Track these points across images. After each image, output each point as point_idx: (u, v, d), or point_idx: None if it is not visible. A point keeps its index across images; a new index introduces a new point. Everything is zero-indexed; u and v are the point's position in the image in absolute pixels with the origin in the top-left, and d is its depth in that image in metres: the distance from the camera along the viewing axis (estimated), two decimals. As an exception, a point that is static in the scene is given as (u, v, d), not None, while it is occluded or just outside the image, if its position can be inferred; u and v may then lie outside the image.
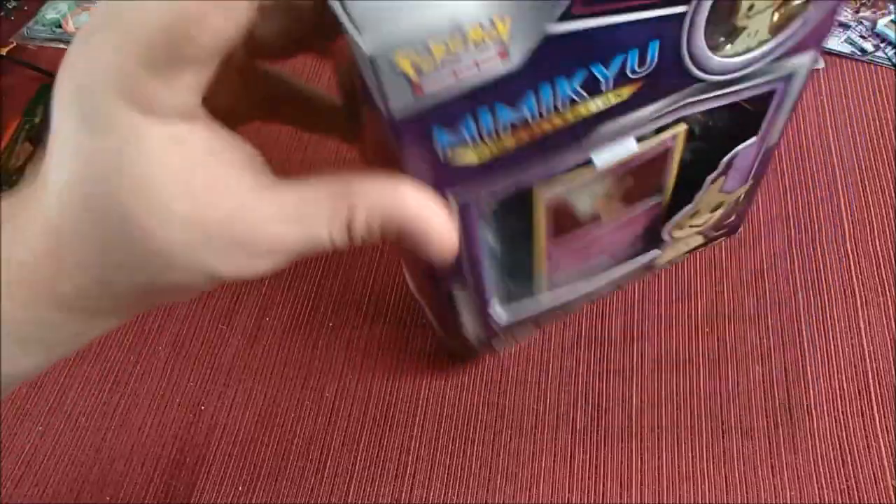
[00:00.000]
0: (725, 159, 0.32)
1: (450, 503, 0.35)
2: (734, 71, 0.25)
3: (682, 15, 0.22)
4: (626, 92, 0.23)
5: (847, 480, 0.34)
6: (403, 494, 0.36)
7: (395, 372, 0.40)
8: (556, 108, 0.23)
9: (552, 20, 0.20)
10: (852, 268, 0.41)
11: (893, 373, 0.37)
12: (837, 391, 0.37)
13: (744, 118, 0.30)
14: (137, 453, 0.39)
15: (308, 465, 0.37)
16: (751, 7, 0.24)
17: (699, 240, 0.38)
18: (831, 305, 0.39)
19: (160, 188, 0.20)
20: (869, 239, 0.42)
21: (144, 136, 0.20)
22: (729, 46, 0.25)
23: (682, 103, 0.26)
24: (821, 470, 0.34)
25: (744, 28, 0.25)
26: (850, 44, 0.50)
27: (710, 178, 0.32)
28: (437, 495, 0.35)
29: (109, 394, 0.42)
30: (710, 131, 0.32)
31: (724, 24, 0.24)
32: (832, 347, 0.38)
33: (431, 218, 0.23)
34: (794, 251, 0.41)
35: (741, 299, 0.40)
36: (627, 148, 0.27)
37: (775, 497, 0.33)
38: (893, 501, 0.33)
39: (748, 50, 0.25)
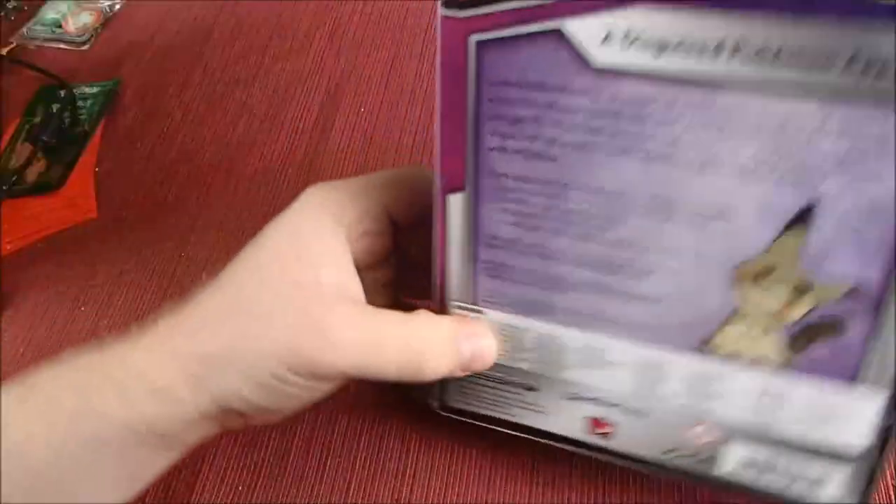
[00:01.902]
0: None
1: (450, 503, 0.35)
2: None
3: None
4: None
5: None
6: (403, 495, 0.36)
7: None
8: None
9: None
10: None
11: (893, 372, 0.37)
12: (837, 391, 0.36)
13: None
14: (137, 453, 0.39)
15: (308, 465, 0.37)
16: None
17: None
18: (831, 305, 0.39)
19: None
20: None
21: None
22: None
23: None
24: (821, 470, 0.34)
25: None
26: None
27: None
28: (437, 495, 0.35)
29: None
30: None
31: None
32: (832, 347, 0.38)
33: (487, 359, 0.31)
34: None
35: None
36: None
37: (775, 497, 0.33)
38: (893, 501, 0.33)
39: None
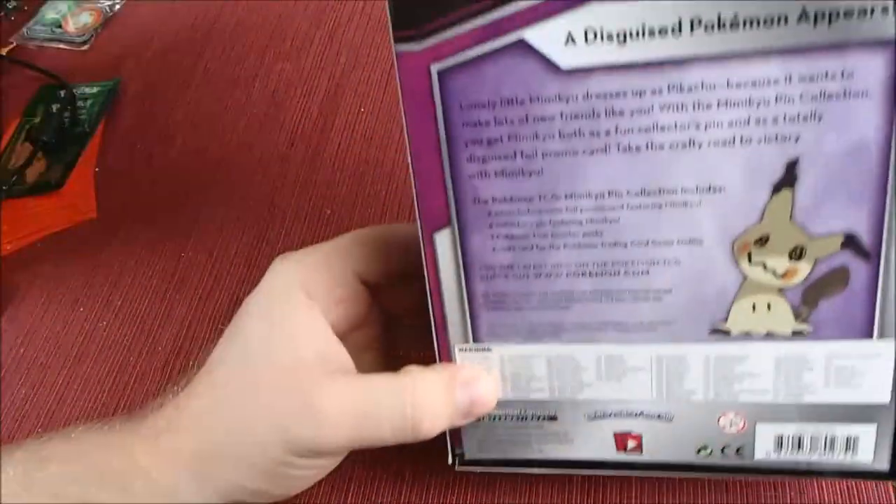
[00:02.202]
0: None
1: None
2: None
3: None
4: None
5: (847, 480, 0.34)
6: (402, 496, 0.35)
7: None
8: None
9: None
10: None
11: (894, 373, 0.37)
12: (837, 391, 0.36)
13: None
14: (137, 453, 0.39)
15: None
16: None
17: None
18: (831, 305, 0.39)
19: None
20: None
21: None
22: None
23: None
24: (821, 470, 0.34)
25: None
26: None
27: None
28: (435, 496, 0.35)
29: (109, 394, 0.42)
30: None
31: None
32: (832, 347, 0.38)
33: (489, 402, 0.30)
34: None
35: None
36: None
37: (776, 498, 0.33)
38: (893, 501, 0.33)
39: None
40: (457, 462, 0.33)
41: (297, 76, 0.56)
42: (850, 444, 0.29)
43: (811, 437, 0.29)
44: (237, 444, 0.28)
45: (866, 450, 0.29)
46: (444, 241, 0.28)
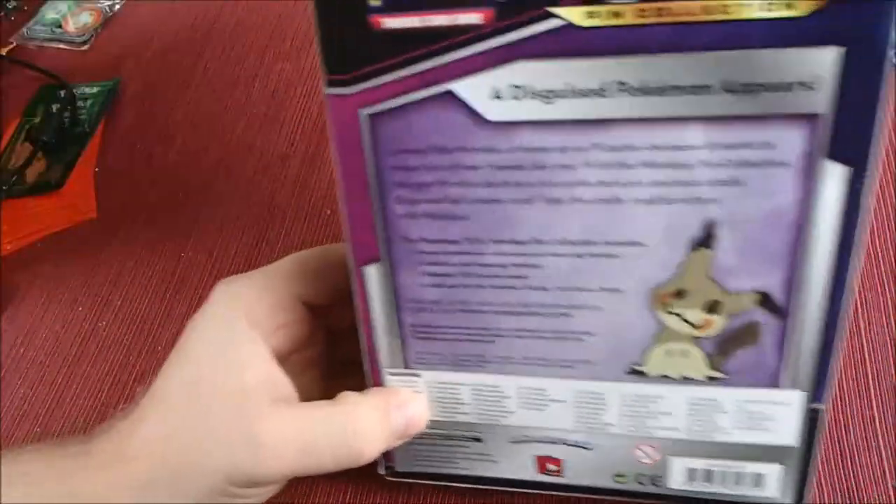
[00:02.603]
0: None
1: None
2: None
3: None
4: None
5: (847, 480, 0.34)
6: (401, 497, 0.36)
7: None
8: None
9: None
10: (852, 268, 0.41)
11: (893, 373, 0.37)
12: (837, 391, 0.36)
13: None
14: (137, 453, 0.39)
15: None
16: None
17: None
18: (831, 305, 0.39)
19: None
20: (869, 239, 0.41)
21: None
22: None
23: None
24: (821, 470, 0.34)
25: None
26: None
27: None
28: (434, 497, 0.35)
29: (109, 394, 0.42)
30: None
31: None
32: (832, 347, 0.38)
33: (420, 423, 0.31)
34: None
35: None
36: None
37: (775, 497, 0.33)
38: (893, 501, 0.33)
39: None
40: (387, 473, 0.34)
41: (297, 76, 0.56)
42: (758, 480, 0.30)
43: (721, 472, 0.31)
44: (183, 475, 0.28)
45: (773, 486, 0.30)
46: (373, 275, 0.29)
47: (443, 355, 0.30)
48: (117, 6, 0.65)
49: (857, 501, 0.33)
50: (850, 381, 0.37)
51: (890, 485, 0.33)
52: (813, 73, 0.22)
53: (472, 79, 0.24)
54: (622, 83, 0.24)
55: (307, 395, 0.31)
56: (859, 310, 0.39)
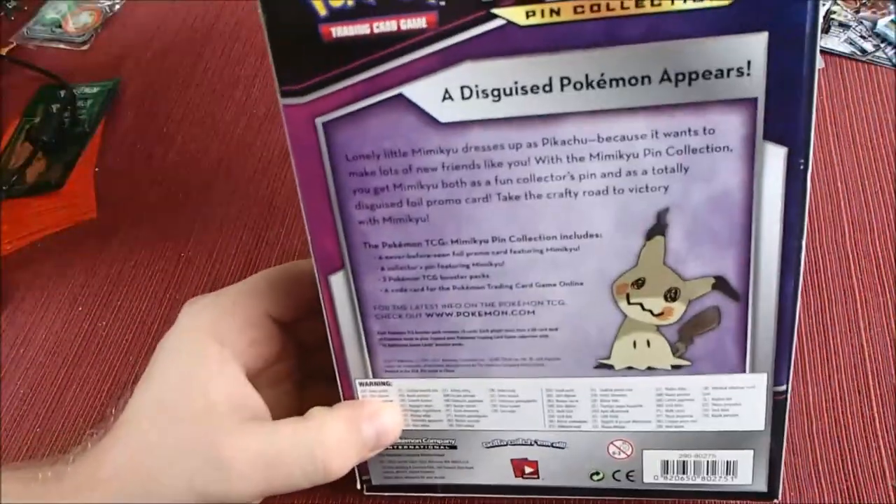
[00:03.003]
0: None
1: None
2: None
3: None
4: None
5: (847, 480, 0.34)
6: (400, 498, 0.35)
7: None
8: None
9: None
10: (852, 268, 0.41)
11: (893, 373, 0.37)
12: (837, 391, 0.36)
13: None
14: (137, 453, 0.39)
15: None
16: None
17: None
18: (831, 305, 0.39)
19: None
20: (869, 239, 0.41)
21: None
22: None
23: None
24: (821, 470, 0.34)
25: None
26: (850, 44, 0.50)
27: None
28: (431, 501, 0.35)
29: (108, 394, 0.42)
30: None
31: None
32: (832, 347, 0.38)
33: (393, 433, 0.31)
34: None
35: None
36: None
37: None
38: (893, 501, 0.33)
39: None
40: (364, 488, 0.35)
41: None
42: (731, 468, 0.31)
43: (694, 463, 0.31)
44: (151, 495, 0.28)
45: (745, 473, 0.31)
46: (339, 283, 0.29)
47: (412, 362, 0.30)
48: (117, 6, 0.65)
49: (857, 501, 0.33)
50: (850, 381, 0.37)
51: (890, 485, 0.33)
52: (745, 59, 0.23)
53: (421, 82, 0.25)
54: (566, 78, 0.24)
55: (281, 410, 0.31)
56: (859, 310, 0.39)
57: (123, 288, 0.47)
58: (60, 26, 0.64)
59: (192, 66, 0.59)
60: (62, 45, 0.63)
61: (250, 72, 0.57)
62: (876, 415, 0.36)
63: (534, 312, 0.29)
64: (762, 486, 0.31)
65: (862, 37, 0.50)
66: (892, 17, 0.51)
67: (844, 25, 0.51)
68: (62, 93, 0.58)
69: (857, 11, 0.52)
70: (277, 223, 0.48)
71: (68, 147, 0.55)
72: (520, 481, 0.33)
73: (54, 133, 0.55)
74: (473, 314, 0.29)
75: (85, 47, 0.62)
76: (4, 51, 0.63)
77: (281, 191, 0.49)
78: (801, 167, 0.25)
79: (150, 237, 0.49)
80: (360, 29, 0.24)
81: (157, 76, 0.59)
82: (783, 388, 0.29)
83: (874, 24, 0.51)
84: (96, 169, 0.53)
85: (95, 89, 0.58)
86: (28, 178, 0.54)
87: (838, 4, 0.52)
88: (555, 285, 0.28)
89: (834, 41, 0.50)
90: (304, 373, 0.35)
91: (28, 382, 0.43)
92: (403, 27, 0.24)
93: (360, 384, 0.31)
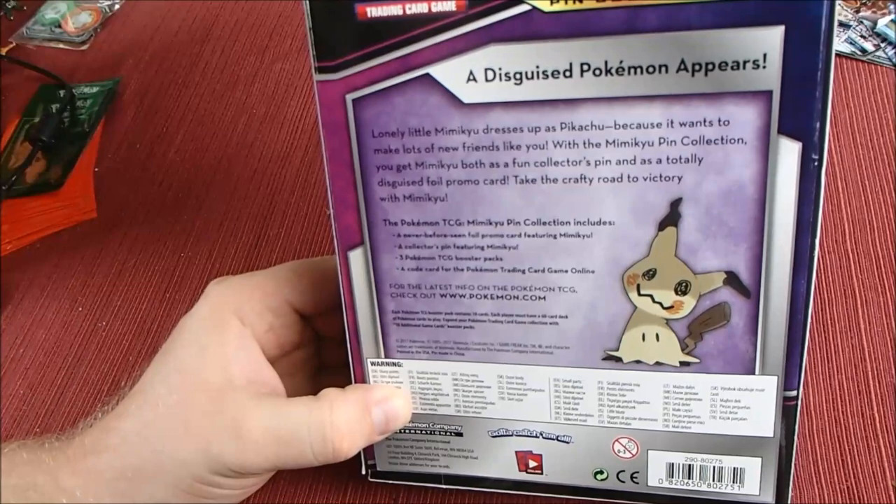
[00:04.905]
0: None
1: None
2: None
3: None
4: None
5: (847, 480, 0.34)
6: (400, 497, 0.36)
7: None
8: None
9: None
10: (852, 268, 0.41)
11: (893, 373, 0.37)
12: (837, 391, 0.36)
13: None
14: (137, 454, 0.39)
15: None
16: None
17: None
18: (831, 305, 0.39)
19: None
20: (869, 239, 0.41)
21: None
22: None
23: None
24: (821, 470, 0.34)
25: None
26: (851, 44, 0.50)
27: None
28: (415, 497, 0.35)
29: (108, 395, 0.42)
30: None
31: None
32: (832, 347, 0.38)
33: (402, 417, 0.31)
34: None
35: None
36: None
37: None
38: (893, 501, 0.33)
39: None
40: (369, 473, 0.35)
41: (297, 76, 0.56)
42: (737, 475, 0.31)
43: (700, 467, 0.31)
44: (162, 464, 0.28)
45: (752, 482, 0.31)
46: (357, 259, 0.30)
47: (423, 343, 0.31)
48: (117, 6, 0.65)
49: (857, 501, 0.33)
50: (850, 381, 0.37)
51: (890, 485, 0.34)
52: (761, 51, 0.24)
53: (447, 62, 0.26)
54: (585, 64, 0.25)
55: (294, 396, 0.31)
56: (859, 310, 0.39)
57: (123, 288, 0.47)
58: (60, 26, 0.64)
59: (191, 66, 0.59)
60: (61, 45, 0.63)
61: (250, 72, 0.57)
62: (876, 415, 0.36)
63: (545, 299, 0.29)
64: (769, 498, 0.31)
65: (862, 36, 0.50)
66: (892, 16, 0.51)
67: (845, 25, 0.51)
68: (62, 93, 0.58)
69: (858, 11, 0.52)
70: (277, 223, 0.48)
71: (68, 147, 0.55)
72: (523, 476, 0.33)
73: (54, 133, 0.55)
74: (485, 297, 0.29)
75: (84, 47, 0.62)
76: (4, 51, 0.63)
77: (281, 191, 0.49)
78: (815, 164, 0.25)
79: (149, 237, 0.49)
80: (393, 10, 0.25)
81: (156, 76, 0.59)
82: (794, 393, 0.28)
83: (874, 23, 0.51)
84: (96, 169, 0.53)
85: (95, 89, 0.58)
86: (27, 177, 0.53)
87: (839, 4, 0.52)
88: (566, 272, 0.28)
89: (834, 41, 0.50)
90: (318, 365, 0.35)
91: (28, 382, 0.43)
92: (434, 9, 0.25)
93: (372, 364, 0.31)
